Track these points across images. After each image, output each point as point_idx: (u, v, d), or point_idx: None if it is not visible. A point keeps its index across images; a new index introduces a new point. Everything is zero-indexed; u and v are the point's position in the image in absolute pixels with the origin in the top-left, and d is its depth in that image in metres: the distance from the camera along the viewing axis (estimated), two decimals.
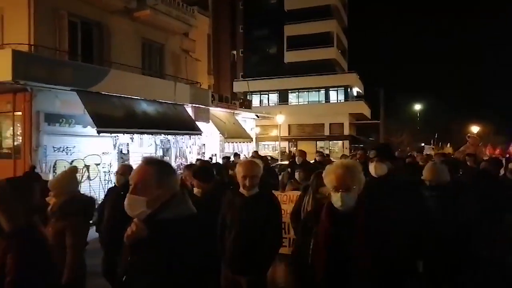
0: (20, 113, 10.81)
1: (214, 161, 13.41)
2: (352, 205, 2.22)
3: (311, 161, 10.20)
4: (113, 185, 5.14)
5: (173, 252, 1.72)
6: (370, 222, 2.18)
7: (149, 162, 1.98)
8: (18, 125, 10.94)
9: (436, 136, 35.26)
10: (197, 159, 9.72)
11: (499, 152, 20.97)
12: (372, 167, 3.41)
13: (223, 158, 12.52)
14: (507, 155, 19.55)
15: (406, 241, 2.79)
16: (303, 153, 8.74)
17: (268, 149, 35.65)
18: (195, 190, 4.01)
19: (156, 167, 1.93)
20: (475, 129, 34.75)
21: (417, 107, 45.15)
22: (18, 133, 10.96)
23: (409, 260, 2.82)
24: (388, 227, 2.26)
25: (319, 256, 2.23)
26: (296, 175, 6.53)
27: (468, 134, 16.55)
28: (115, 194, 4.45)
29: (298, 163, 8.24)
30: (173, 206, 1.85)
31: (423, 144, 36.05)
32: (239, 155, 12.86)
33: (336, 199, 2.22)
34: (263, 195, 3.36)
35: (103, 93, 11.78)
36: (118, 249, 2.00)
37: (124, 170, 4.61)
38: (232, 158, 11.93)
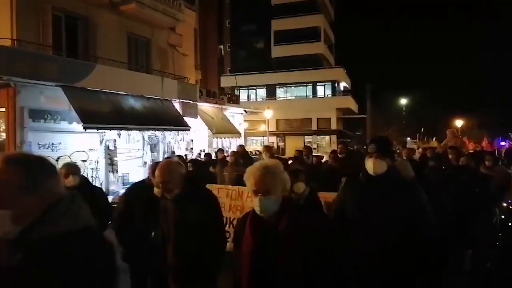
0: (3, 109, 10.61)
1: (202, 156, 13.19)
2: (275, 210, 2.01)
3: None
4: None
5: (57, 283, 1.27)
6: (298, 228, 1.97)
7: (10, 160, 1.37)
8: (1, 121, 10.75)
9: (422, 130, 35.79)
10: (175, 155, 9.46)
11: (472, 146, 21.37)
12: (370, 164, 2.87)
13: (205, 155, 12.19)
14: (480, 149, 19.88)
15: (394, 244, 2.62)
16: (269, 149, 8.60)
17: (256, 144, 35.70)
18: (155, 190, 3.36)
19: (22, 166, 1.36)
20: (459, 123, 35.35)
21: (403, 101, 45.73)
22: (2, 129, 10.77)
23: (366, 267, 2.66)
24: (329, 232, 2.06)
25: (243, 268, 2.04)
26: None
27: (449, 129, 16.86)
28: None
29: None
30: (55, 218, 1.34)
31: (408, 139, 36.62)
32: (223, 150, 12.74)
33: (255, 204, 2.02)
34: (187, 194, 2.92)
35: (89, 88, 11.62)
36: None
37: (74, 170, 4.13)
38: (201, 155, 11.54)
